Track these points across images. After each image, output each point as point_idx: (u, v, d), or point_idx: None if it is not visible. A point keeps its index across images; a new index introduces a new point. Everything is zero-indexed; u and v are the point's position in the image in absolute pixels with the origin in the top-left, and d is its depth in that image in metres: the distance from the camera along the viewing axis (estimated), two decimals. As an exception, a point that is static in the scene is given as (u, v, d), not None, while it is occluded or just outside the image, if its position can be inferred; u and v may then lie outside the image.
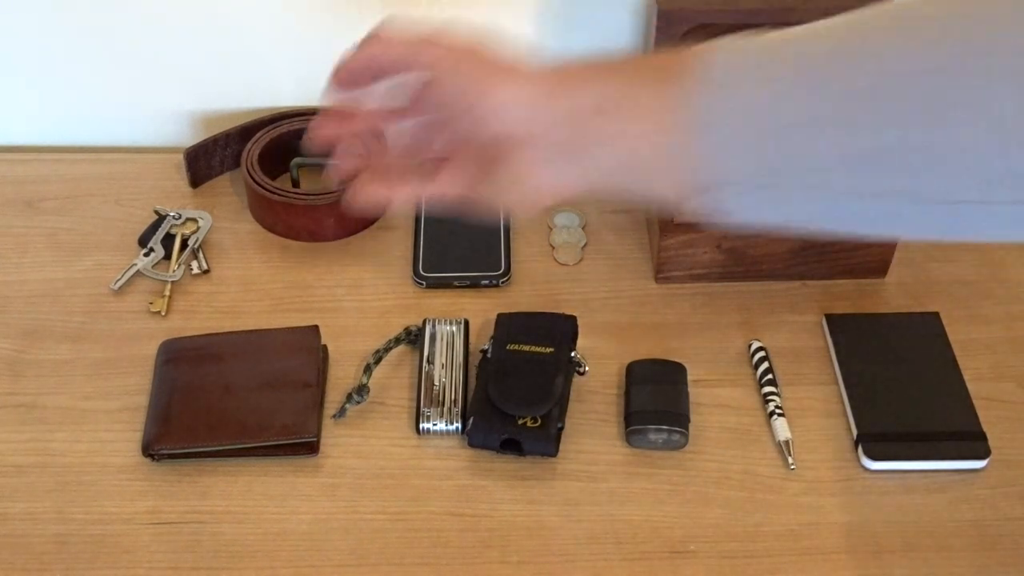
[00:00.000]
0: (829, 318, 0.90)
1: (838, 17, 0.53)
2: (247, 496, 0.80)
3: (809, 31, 0.54)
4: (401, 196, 0.66)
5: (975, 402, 0.84)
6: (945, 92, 0.48)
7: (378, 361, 0.87)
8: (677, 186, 0.57)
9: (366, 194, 0.65)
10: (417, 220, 0.99)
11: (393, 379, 0.87)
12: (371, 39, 0.63)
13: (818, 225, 0.55)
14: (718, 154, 0.54)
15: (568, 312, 0.88)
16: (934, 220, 0.52)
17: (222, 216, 1.01)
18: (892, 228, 0.55)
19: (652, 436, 0.82)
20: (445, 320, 0.89)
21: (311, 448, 0.82)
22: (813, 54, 0.52)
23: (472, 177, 0.63)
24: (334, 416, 0.84)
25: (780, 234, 0.91)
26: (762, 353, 0.88)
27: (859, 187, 0.51)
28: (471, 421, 0.81)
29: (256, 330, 0.88)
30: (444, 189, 0.64)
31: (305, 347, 0.86)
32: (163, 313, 0.91)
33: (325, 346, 0.88)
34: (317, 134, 0.66)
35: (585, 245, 0.98)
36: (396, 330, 0.89)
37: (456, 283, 0.94)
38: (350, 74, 0.64)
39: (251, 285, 0.95)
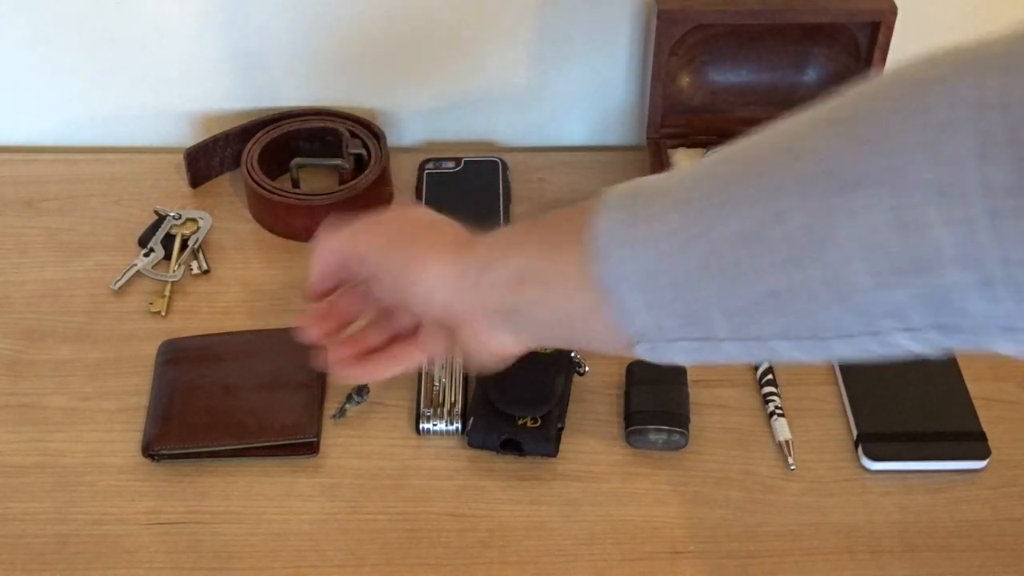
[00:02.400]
0: (829, 318, 0.90)
1: (719, 155, 0.53)
2: (247, 496, 0.80)
3: (690, 173, 0.54)
4: (383, 372, 0.69)
5: (975, 402, 0.84)
6: (801, 233, 0.47)
7: (378, 361, 0.87)
8: (612, 339, 0.57)
9: (353, 375, 0.70)
10: (417, 220, 0.99)
11: (393, 379, 0.87)
12: (314, 260, 0.69)
13: (757, 362, 0.55)
14: (626, 314, 0.54)
15: (568, 312, 0.88)
16: (848, 351, 0.51)
17: (222, 216, 1.01)
18: (826, 356, 0.53)
19: (652, 436, 0.81)
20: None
21: (311, 448, 0.82)
22: (692, 203, 0.52)
23: (444, 338, 0.65)
24: (334, 416, 0.84)
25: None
26: (762, 353, 0.88)
27: (759, 332, 0.51)
28: (471, 421, 0.81)
29: (256, 330, 0.88)
30: (423, 355, 0.68)
31: (305, 347, 0.86)
32: (163, 313, 0.91)
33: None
34: (306, 335, 0.70)
35: (585, 245, 0.98)
36: (396, 330, 0.89)
37: (456, 283, 0.94)
38: (316, 291, 0.70)
39: (251, 285, 0.95)
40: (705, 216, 0.50)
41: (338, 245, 0.68)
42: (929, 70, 0.46)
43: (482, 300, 0.61)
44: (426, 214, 0.68)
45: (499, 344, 0.62)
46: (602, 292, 0.54)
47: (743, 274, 0.50)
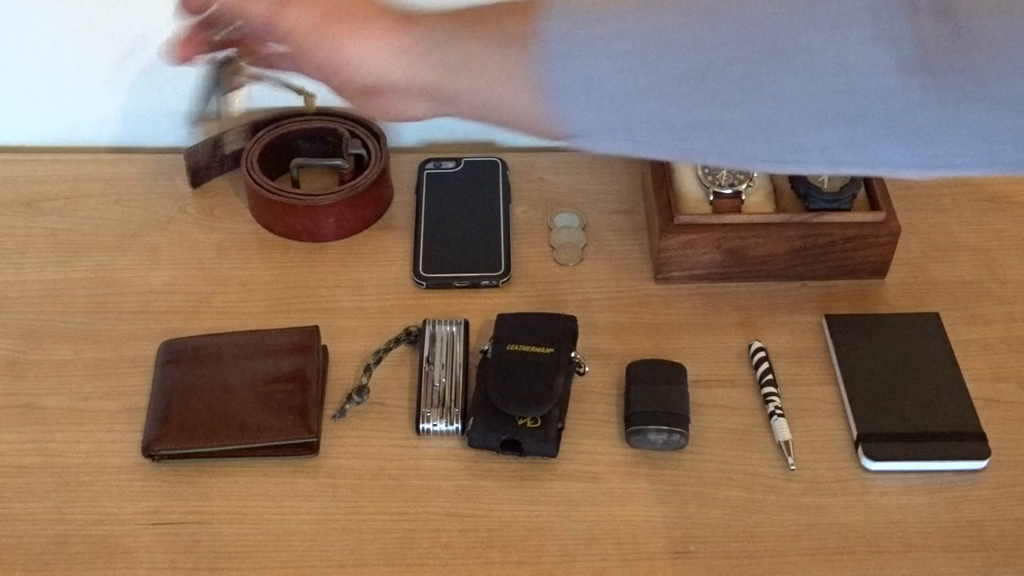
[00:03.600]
0: (829, 318, 0.90)
1: None
2: (247, 496, 0.80)
3: (632, 4, 0.61)
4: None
5: (975, 402, 0.84)
6: (745, 80, 0.58)
7: (378, 361, 0.87)
8: (537, 130, 0.66)
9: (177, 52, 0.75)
10: (417, 220, 0.99)
11: (393, 379, 0.87)
12: None
13: (669, 159, 0.73)
14: (566, 116, 0.62)
15: (568, 312, 0.88)
16: (769, 168, 0.63)
17: (222, 216, 1.01)
18: (744, 168, 0.71)
19: (652, 436, 0.82)
20: (445, 320, 0.89)
21: (311, 448, 0.82)
22: (642, 31, 0.60)
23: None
24: (334, 416, 0.84)
25: (780, 234, 0.91)
26: (762, 353, 0.88)
27: (688, 151, 0.63)
28: (471, 421, 0.81)
29: (256, 330, 0.88)
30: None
31: (305, 347, 0.86)
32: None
33: (325, 346, 0.88)
34: (175, 57, 0.76)
35: (585, 245, 0.98)
36: (396, 330, 0.89)
37: (456, 283, 0.94)
38: (195, 6, 0.75)
39: (251, 285, 0.95)
40: (652, 50, 0.59)
41: (259, 9, 0.70)
42: None
43: (419, 76, 0.67)
44: None
45: (414, 112, 0.70)
46: (543, 93, 0.62)
47: (682, 106, 0.59)
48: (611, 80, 0.60)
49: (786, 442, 0.82)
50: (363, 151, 1.00)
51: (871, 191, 0.94)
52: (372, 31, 0.67)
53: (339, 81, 0.70)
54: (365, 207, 0.99)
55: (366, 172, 0.99)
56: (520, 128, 0.67)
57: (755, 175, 0.95)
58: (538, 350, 0.84)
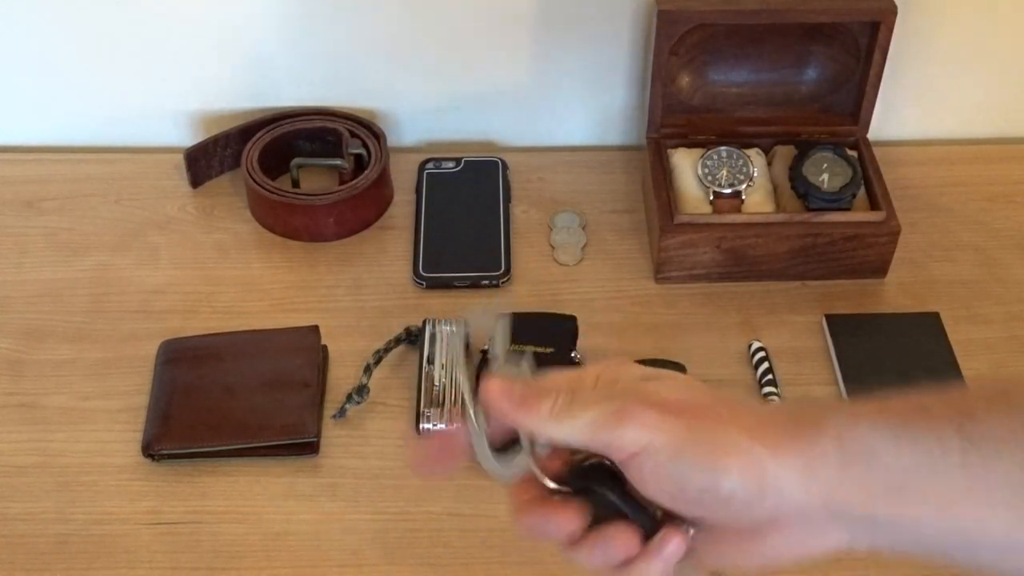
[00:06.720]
0: (829, 318, 0.90)
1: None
2: (247, 496, 0.80)
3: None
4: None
5: (975, 402, 0.84)
6: None
7: (378, 361, 0.87)
8: None
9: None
10: (417, 220, 0.99)
11: (393, 379, 0.87)
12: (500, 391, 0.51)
13: None
14: None
15: (568, 312, 0.88)
16: None
17: (222, 216, 1.01)
18: None
19: (652, 436, 0.81)
20: (445, 320, 0.89)
21: (311, 448, 0.82)
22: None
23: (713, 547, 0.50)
24: (334, 416, 0.84)
25: (780, 234, 0.91)
26: (762, 353, 0.88)
27: None
28: (471, 421, 0.81)
29: (256, 330, 0.88)
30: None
31: (305, 347, 0.86)
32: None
33: (325, 346, 0.88)
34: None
35: (585, 245, 0.98)
36: (396, 330, 0.89)
37: (456, 283, 0.94)
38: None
39: (251, 285, 0.95)
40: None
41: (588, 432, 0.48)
42: None
43: (838, 501, 0.47)
44: (695, 384, 0.51)
45: (822, 547, 0.50)
46: None
47: None
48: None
49: (786, 442, 0.82)
50: (363, 151, 1.00)
51: (871, 191, 0.94)
52: (764, 446, 0.47)
53: (717, 509, 0.48)
54: (365, 207, 0.99)
55: (366, 172, 0.99)
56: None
57: (755, 175, 0.95)
58: (538, 350, 0.84)
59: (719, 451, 0.47)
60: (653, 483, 0.48)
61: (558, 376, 0.51)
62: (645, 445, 0.47)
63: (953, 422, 0.47)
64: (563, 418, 0.49)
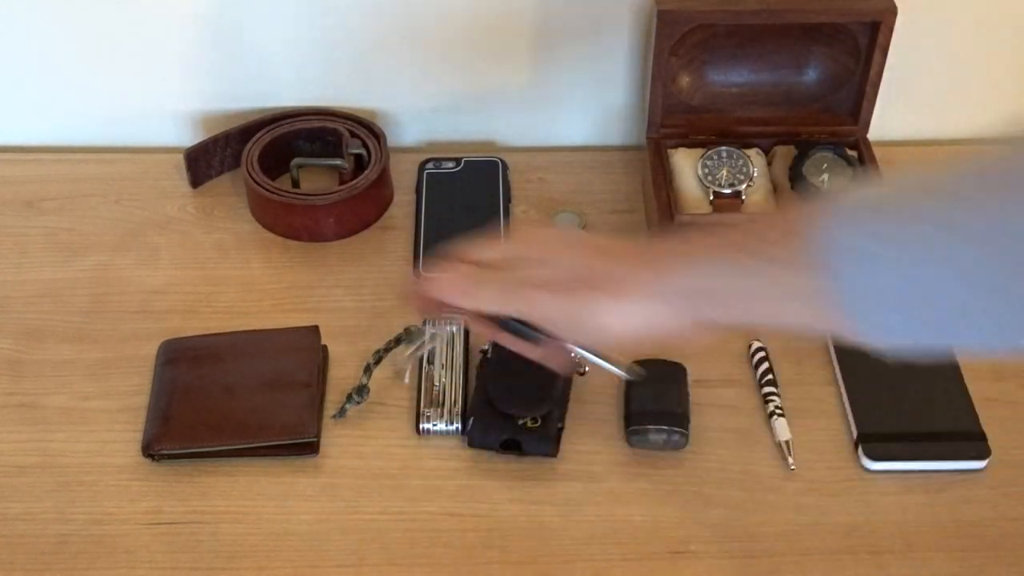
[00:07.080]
0: (829, 318, 0.90)
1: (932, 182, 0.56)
2: (247, 496, 0.80)
3: (906, 198, 0.56)
4: (479, 303, 0.68)
5: (975, 402, 0.84)
6: None
7: (378, 361, 0.87)
8: (828, 331, 0.65)
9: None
10: (417, 220, 0.99)
11: (393, 379, 0.87)
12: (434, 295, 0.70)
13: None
14: (865, 326, 0.56)
15: (568, 312, 0.88)
16: None
17: (222, 216, 1.01)
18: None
19: (652, 436, 0.81)
20: (445, 320, 0.89)
21: (311, 448, 0.82)
22: (926, 233, 0.54)
23: (563, 307, 0.65)
24: (334, 416, 0.84)
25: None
26: (762, 353, 0.88)
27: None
28: (471, 421, 0.81)
29: (256, 330, 0.88)
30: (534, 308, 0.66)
31: (305, 347, 0.86)
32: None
33: (325, 346, 0.88)
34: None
35: (585, 245, 0.98)
36: (396, 330, 0.89)
37: (456, 283, 0.94)
38: (424, 302, 0.71)
39: (251, 285, 0.95)
40: (941, 242, 0.53)
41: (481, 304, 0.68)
42: None
43: (693, 314, 0.62)
44: (575, 237, 0.69)
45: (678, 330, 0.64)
46: (838, 307, 0.55)
47: (978, 293, 0.52)
48: (911, 283, 0.54)
49: (786, 442, 0.82)
50: (363, 151, 1.00)
51: (871, 191, 0.94)
52: (625, 294, 0.63)
53: (609, 341, 0.67)
54: (365, 207, 0.99)
55: (366, 172, 0.99)
56: (803, 330, 0.64)
57: (755, 175, 0.95)
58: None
59: (597, 308, 0.64)
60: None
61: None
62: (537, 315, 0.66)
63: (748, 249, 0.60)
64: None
